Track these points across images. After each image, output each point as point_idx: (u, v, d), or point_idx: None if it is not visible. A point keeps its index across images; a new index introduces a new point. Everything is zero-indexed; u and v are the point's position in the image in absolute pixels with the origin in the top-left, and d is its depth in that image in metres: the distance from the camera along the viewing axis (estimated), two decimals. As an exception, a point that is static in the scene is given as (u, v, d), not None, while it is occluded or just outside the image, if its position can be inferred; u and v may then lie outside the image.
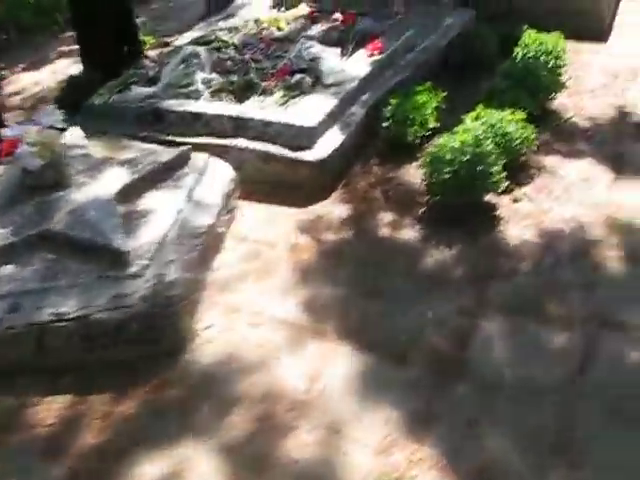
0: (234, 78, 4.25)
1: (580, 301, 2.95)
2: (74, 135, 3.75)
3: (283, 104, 3.99)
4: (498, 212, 3.52)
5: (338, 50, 4.54)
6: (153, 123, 4.21)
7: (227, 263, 3.39)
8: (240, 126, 3.94)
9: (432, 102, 4.11)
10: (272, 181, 3.83)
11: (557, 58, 4.57)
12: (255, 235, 3.56)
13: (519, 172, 3.78)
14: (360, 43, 4.71)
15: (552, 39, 4.65)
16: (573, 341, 2.77)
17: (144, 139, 4.12)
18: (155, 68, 4.58)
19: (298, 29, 5.10)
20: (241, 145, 3.89)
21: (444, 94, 4.21)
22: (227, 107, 4.02)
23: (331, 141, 3.81)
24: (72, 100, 4.57)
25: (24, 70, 6.27)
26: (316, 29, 5.04)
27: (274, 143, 3.84)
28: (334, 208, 3.69)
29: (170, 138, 4.09)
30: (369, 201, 3.72)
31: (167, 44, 5.61)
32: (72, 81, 4.90)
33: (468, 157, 3.35)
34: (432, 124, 4.05)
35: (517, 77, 4.24)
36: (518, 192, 3.66)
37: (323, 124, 3.81)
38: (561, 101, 4.51)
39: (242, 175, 3.86)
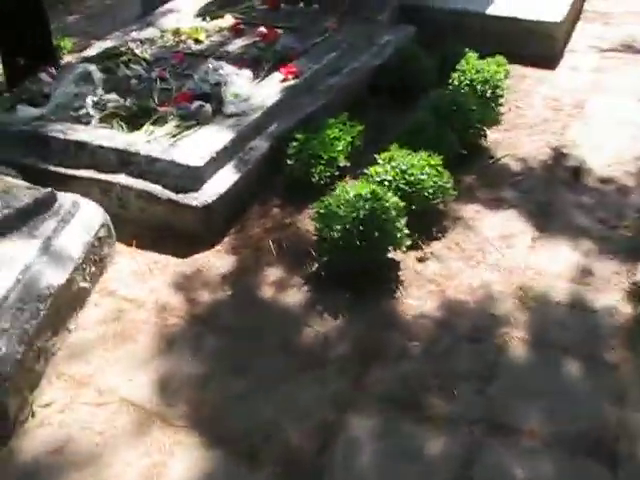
0: (127, 102, 3.76)
1: (470, 396, 2.55)
2: None
3: (175, 136, 3.54)
4: (398, 273, 3.10)
5: (250, 72, 4.08)
6: (37, 150, 3.76)
7: (86, 324, 2.99)
8: (125, 161, 3.52)
9: (345, 137, 3.71)
10: (156, 225, 3.44)
11: (496, 87, 4.18)
12: (124, 290, 3.15)
13: (431, 224, 3.37)
14: (279, 63, 4.26)
15: (493, 64, 4.24)
16: (453, 448, 2.37)
17: (25, 169, 3.67)
18: (52, 84, 4.09)
19: (216, 44, 4.66)
20: (124, 182, 3.46)
21: (360, 128, 3.77)
22: (113, 137, 3.58)
23: (221, 182, 3.40)
24: None
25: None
26: (235, 44, 4.60)
27: (158, 182, 3.41)
28: (217, 259, 3.28)
29: (53, 169, 3.67)
30: (258, 252, 3.31)
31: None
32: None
33: (363, 214, 2.92)
34: (342, 162, 3.62)
35: (444, 111, 3.81)
36: (426, 249, 3.25)
37: (213, 163, 3.39)
38: (495, 137, 4.12)
39: (126, 216, 3.45)
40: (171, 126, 3.61)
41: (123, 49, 4.59)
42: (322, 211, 3.01)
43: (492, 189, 3.68)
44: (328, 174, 3.55)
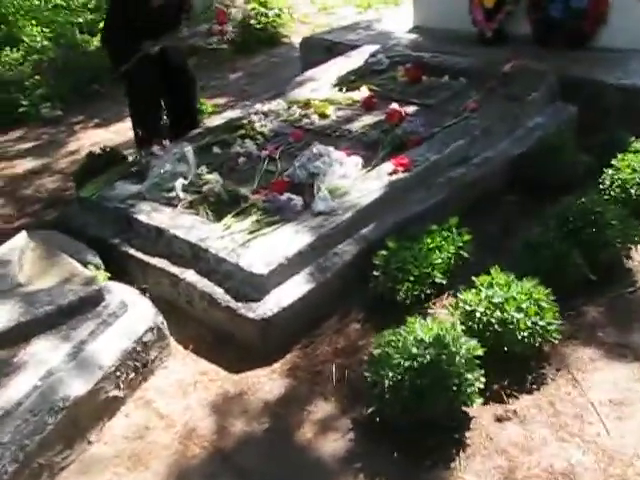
0: (216, 188, 3.51)
1: None
2: (13, 242, 3.25)
3: (252, 232, 3.22)
4: (466, 434, 2.51)
5: (359, 160, 3.67)
6: (125, 230, 3.64)
7: (109, 437, 2.74)
8: (196, 255, 3.26)
9: (448, 247, 3.16)
10: (217, 329, 3.13)
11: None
12: (160, 403, 2.87)
13: (527, 370, 2.74)
14: (397, 150, 3.81)
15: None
16: None
17: (111, 248, 3.57)
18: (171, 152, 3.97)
19: (341, 120, 4.31)
20: (189, 280, 3.20)
21: (468, 237, 3.21)
22: (192, 227, 3.34)
23: (290, 292, 3.03)
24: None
25: (96, 126, 5.98)
26: (360, 122, 4.22)
27: (222, 285, 3.11)
28: (268, 380, 2.90)
29: (133, 252, 3.51)
30: (317, 378, 2.89)
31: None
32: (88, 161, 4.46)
33: (419, 363, 2.39)
34: (438, 279, 3.08)
35: (572, 224, 3.16)
36: (510, 405, 2.62)
37: (282, 270, 3.02)
38: (640, 259, 3.33)
39: (192, 314, 3.21)
40: (252, 220, 3.27)
41: (245, 121, 4.37)
42: (376, 351, 2.50)
43: (621, 329, 2.96)
44: (417, 292, 3.01)
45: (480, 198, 3.82)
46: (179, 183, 3.57)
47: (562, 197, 3.56)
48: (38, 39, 7.55)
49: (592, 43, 5.18)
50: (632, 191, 3.59)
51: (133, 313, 2.96)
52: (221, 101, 6.13)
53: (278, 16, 8.03)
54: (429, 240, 3.15)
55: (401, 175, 3.52)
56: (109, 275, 3.34)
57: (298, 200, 3.37)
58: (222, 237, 3.22)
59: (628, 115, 4.35)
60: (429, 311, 3.09)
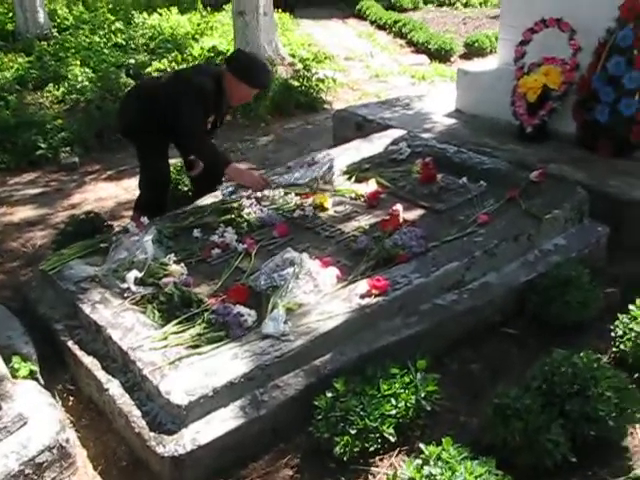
0: (168, 289, 3.17)
1: None
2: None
3: (190, 348, 2.84)
4: None
5: (336, 273, 3.27)
6: (73, 316, 3.33)
7: None
8: (126, 364, 2.90)
9: (407, 397, 2.73)
10: (132, 452, 2.74)
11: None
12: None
13: None
14: (381, 265, 3.40)
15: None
16: None
17: (54, 334, 3.34)
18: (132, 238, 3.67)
19: (338, 217, 3.94)
20: (113, 392, 2.86)
21: (433, 386, 2.77)
22: (130, 329, 3.00)
23: (210, 429, 2.61)
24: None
25: (108, 179, 5.77)
26: (356, 223, 3.84)
27: (141, 407, 2.74)
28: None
29: (70, 345, 3.23)
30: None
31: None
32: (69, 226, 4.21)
33: None
34: (387, 434, 2.65)
35: (558, 390, 2.67)
36: None
37: (204, 403, 2.62)
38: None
39: (114, 426, 2.85)
40: (194, 333, 2.90)
41: (235, 204, 4.03)
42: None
43: None
44: (357, 449, 2.56)
45: (473, 330, 3.35)
46: (131, 275, 3.24)
47: (573, 338, 3.23)
48: (80, 79, 7.45)
49: (640, 153, 4.68)
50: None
51: (31, 428, 2.60)
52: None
53: (321, 81, 7.75)
54: (385, 386, 2.71)
55: (374, 299, 3.08)
56: (33, 369, 3.02)
57: (250, 315, 2.97)
58: (155, 349, 2.84)
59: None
60: (372, 469, 2.64)
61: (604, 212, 4.10)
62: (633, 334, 3.15)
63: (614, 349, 3.22)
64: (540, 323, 3.45)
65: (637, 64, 4.60)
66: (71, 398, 3.12)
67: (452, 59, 10.05)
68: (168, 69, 8.49)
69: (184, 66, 8.48)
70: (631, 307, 3.28)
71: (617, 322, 3.26)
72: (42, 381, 3.10)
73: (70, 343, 3.19)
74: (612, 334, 3.26)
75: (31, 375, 3.03)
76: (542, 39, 5.12)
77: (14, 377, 2.93)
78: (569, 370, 2.75)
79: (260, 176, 4.39)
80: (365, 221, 3.90)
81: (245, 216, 3.95)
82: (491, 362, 3.27)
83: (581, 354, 2.86)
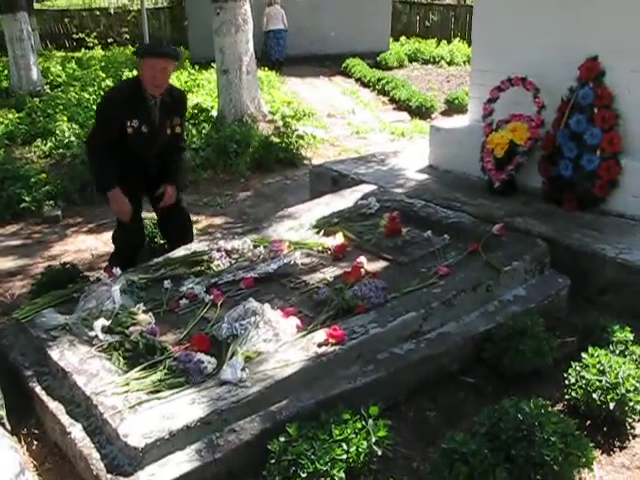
0: (133, 337, 3.29)
1: None
2: None
3: (150, 393, 2.94)
4: None
5: (296, 323, 3.39)
6: (43, 363, 3.43)
7: None
8: (89, 409, 3.01)
9: (358, 442, 2.80)
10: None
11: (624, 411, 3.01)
12: None
13: None
14: (340, 315, 3.52)
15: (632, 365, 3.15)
16: None
17: (23, 380, 3.42)
18: (101, 287, 3.79)
19: (304, 269, 4.07)
20: (74, 436, 2.95)
21: (383, 432, 2.86)
22: (93, 377, 3.10)
23: (165, 472, 2.69)
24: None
25: (89, 232, 5.91)
26: (320, 275, 3.97)
27: (101, 450, 2.82)
28: None
29: (37, 391, 3.31)
30: None
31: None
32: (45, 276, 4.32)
33: None
34: (338, 478, 2.72)
35: (504, 437, 2.76)
36: None
37: (161, 445, 2.71)
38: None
39: (75, 470, 2.97)
40: (155, 379, 3.00)
41: (205, 257, 4.17)
42: None
43: None
44: (308, 499, 2.64)
45: (430, 378, 3.46)
46: (99, 323, 3.36)
47: (529, 387, 3.33)
48: (67, 134, 7.67)
49: (604, 206, 4.85)
50: (595, 396, 3.16)
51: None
52: (218, 221, 6.00)
53: (301, 137, 7.98)
54: (337, 431, 2.80)
55: (330, 348, 3.19)
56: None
57: (210, 363, 3.08)
58: (118, 394, 2.94)
59: (626, 294, 3.97)
60: (325, 513, 2.70)
61: (567, 264, 4.25)
62: (584, 382, 3.25)
63: (567, 397, 3.30)
64: (497, 372, 3.54)
65: (597, 121, 4.81)
66: (36, 442, 3.19)
67: (433, 116, 10.34)
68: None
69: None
70: (584, 355, 3.38)
71: (570, 370, 3.35)
72: (8, 426, 3.17)
73: (38, 389, 3.27)
74: (566, 382, 3.35)
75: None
76: (510, 97, 5.33)
77: (-21, 421, 3.02)
78: (516, 415, 2.84)
79: (128, 211, 4.37)
80: (330, 273, 4.03)
81: (214, 268, 4.06)
82: (448, 410, 3.35)
83: (529, 401, 2.94)
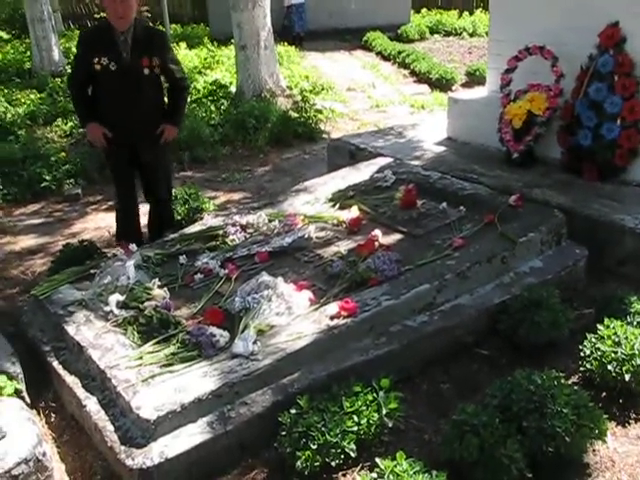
0: (147, 311, 3.32)
1: None
2: None
3: (163, 367, 2.97)
4: None
5: (309, 296, 3.39)
6: (60, 338, 3.49)
7: None
8: (104, 382, 3.04)
9: (369, 414, 2.82)
10: (107, 466, 2.87)
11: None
12: None
13: None
14: (354, 288, 3.52)
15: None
16: None
17: (42, 355, 3.49)
18: (116, 263, 3.83)
19: (318, 242, 4.07)
20: (90, 409, 3.00)
21: (395, 404, 2.87)
22: (108, 350, 3.15)
23: (179, 442, 2.73)
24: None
25: (109, 209, 5.96)
26: (335, 248, 3.97)
27: (115, 422, 2.88)
28: None
29: (55, 365, 3.37)
30: None
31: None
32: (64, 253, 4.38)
33: None
34: (348, 449, 2.74)
35: (515, 409, 2.75)
36: None
37: (172, 418, 2.74)
38: (616, 450, 2.89)
39: (92, 442, 3.04)
40: (168, 352, 3.03)
41: (220, 232, 4.19)
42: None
43: None
44: (318, 463, 2.66)
45: (444, 350, 3.45)
46: (113, 298, 3.39)
47: (544, 359, 3.31)
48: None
49: (625, 176, 4.76)
50: (610, 368, 3.13)
51: (9, 441, 2.73)
52: (236, 197, 6.01)
53: (320, 111, 7.94)
54: (348, 403, 2.81)
55: (342, 320, 3.19)
56: (18, 387, 3.18)
57: (223, 336, 3.10)
58: (131, 367, 2.98)
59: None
60: (335, 483, 2.73)
61: (586, 235, 4.19)
62: (599, 353, 3.21)
63: (582, 369, 3.28)
64: (512, 344, 3.52)
65: (617, 89, 4.71)
66: (54, 415, 3.25)
67: (453, 88, 10.22)
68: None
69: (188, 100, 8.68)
70: (599, 327, 3.35)
71: (585, 342, 3.32)
72: (27, 399, 3.24)
73: (55, 363, 3.33)
74: (581, 354, 3.32)
75: (16, 393, 3.17)
76: (528, 66, 5.24)
77: (-1, 395, 3.08)
78: (528, 387, 2.82)
79: (100, 135, 4.35)
80: (344, 246, 4.03)
81: (229, 242, 4.07)
82: (461, 382, 3.34)
83: (542, 372, 2.92)
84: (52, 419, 3.24)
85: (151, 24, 4.27)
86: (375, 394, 2.92)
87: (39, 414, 3.25)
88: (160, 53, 4.29)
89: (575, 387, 2.97)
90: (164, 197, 4.72)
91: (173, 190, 4.92)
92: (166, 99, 4.52)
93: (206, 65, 10.94)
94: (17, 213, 6.14)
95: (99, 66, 4.18)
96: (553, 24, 5.04)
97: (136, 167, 4.56)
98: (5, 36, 15.51)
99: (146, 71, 4.24)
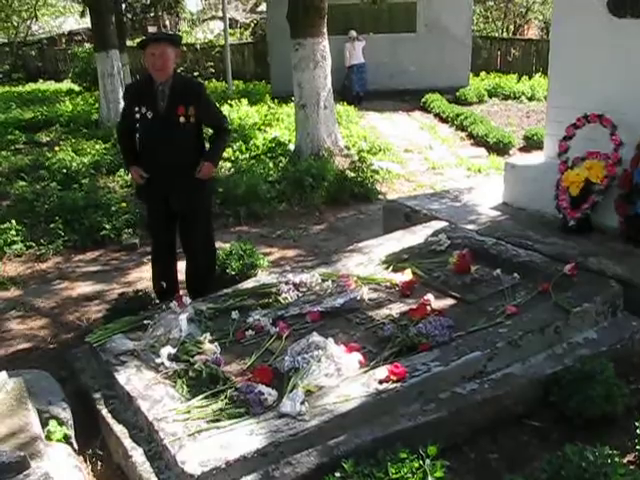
0: (197, 365, 3.36)
1: None
2: None
3: (212, 421, 3.00)
4: None
5: (360, 359, 3.40)
6: (110, 387, 3.57)
7: None
8: (151, 434, 3.09)
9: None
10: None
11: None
12: None
13: None
14: (406, 352, 3.51)
15: None
16: None
17: (91, 402, 3.57)
18: (170, 315, 3.90)
19: (370, 305, 4.07)
20: (135, 460, 3.04)
21: (441, 474, 2.82)
22: (157, 402, 3.19)
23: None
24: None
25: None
26: (387, 311, 3.97)
27: (160, 475, 2.91)
28: None
29: (104, 413, 3.43)
30: None
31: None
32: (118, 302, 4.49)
33: None
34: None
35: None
36: None
37: (217, 475, 2.75)
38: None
39: None
40: (216, 407, 3.06)
41: (273, 289, 4.24)
42: None
43: None
44: None
45: (494, 420, 3.38)
46: (165, 351, 3.45)
47: (598, 434, 3.19)
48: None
49: (687, 250, 4.66)
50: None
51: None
52: (290, 254, 6.07)
53: (376, 172, 8.02)
54: (393, 470, 2.77)
55: (391, 385, 3.18)
56: (67, 433, 3.24)
57: (271, 395, 3.11)
58: (179, 421, 3.01)
59: None
60: None
61: (642, 309, 4.09)
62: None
63: (638, 447, 3.17)
64: (564, 417, 3.43)
65: (678, 160, 4.65)
66: (100, 464, 3.29)
67: (510, 152, 10.20)
68: (232, 158, 8.93)
69: (247, 155, 8.90)
70: (657, 404, 3.24)
71: (641, 421, 3.22)
72: (76, 445, 3.29)
73: (104, 411, 3.39)
74: (638, 431, 3.22)
75: (65, 439, 3.24)
76: (587, 134, 5.23)
77: (49, 439, 3.15)
78: (579, 464, 2.74)
79: (137, 176, 4.54)
80: (396, 309, 4.02)
81: (282, 300, 4.11)
82: (510, 453, 3.27)
83: (594, 449, 2.84)
84: (98, 467, 3.27)
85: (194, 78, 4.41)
86: (421, 461, 2.86)
87: (86, 461, 3.29)
88: (196, 102, 4.38)
89: (631, 467, 2.86)
90: (199, 250, 4.73)
91: (217, 244, 4.96)
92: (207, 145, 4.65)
93: (266, 122, 11.20)
94: (76, 259, 6.32)
95: (139, 115, 4.38)
96: (612, 92, 5.04)
97: (175, 220, 4.64)
98: (77, 88, 16.22)
99: (181, 119, 4.35)
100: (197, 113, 4.40)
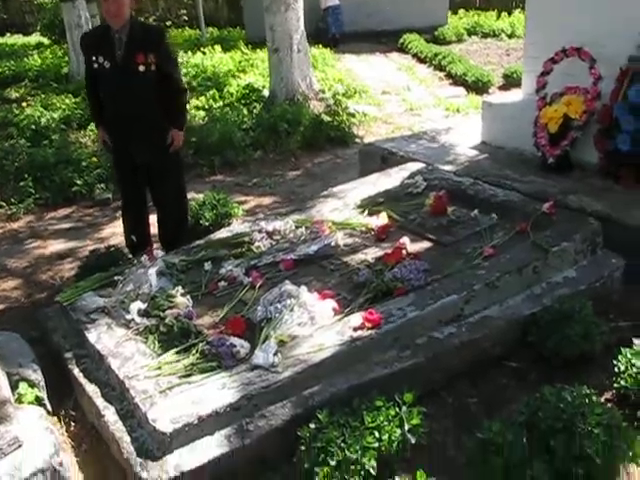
0: (167, 320, 3.28)
1: None
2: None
3: (183, 376, 2.93)
4: None
5: (334, 306, 3.32)
6: (81, 346, 3.48)
7: None
8: (122, 392, 3.02)
9: (391, 429, 2.73)
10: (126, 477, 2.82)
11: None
12: None
13: None
14: (381, 297, 3.44)
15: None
16: None
17: (63, 362, 3.48)
18: (139, 270, 3.80)
19: (345, 250, 3.99)
20: (108, 419, 2.97)
21: (418, 420, 2.77)
22: (127, 359, 3.11)
23: (194, 457, 2.68)
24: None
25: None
26: (362, 255, 3.90)
27: (132, 433, 2.84)
28: None
29: (76, 373, 3.34)
30: None
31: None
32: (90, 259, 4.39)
33: None
34: (369, 466, 2.65)
35: (542, 429, 2.63)
36: None
37: (189, 431, 2.69)
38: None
39: (110, 451, 2.99)
40: (187, 362, 2.98)
41: (246, 239, 4.14)
42: None
43: None
44: (337, 480, 2.59)
45: (472, 363, 3.34)
46: (135, 306, 3.36)
47: (576, 373, 3.20)
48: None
49: (668, 183, 4.60)
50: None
51: (26, 451, 2.71)
52: (266, 201, 5.96)
53: (352, 115, 7.85)
54: (369, 418, 2.72)
55: (367, 332, 3.11)
56: (39, 395, 3.17)
57: (243, 347, 3.04)
58: (149, 377, 2.93)
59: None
60: (355, 502, 2.64)
61: (624, 243, 4.03)
62: (635, 370, 3.08)
63: (616, 385, 3.14)
64: (542, 357, 3.40)
65: (659, 91, 4.54)
66: (74, 424, 3.23)
67: (490, 91, 10.04)
68: (206, 106, 8.72)
69: (221, 103, 8.69)
70: (635, 341, 3.21)
71: (620, 357, 3.19)
72: (49, 407, 3.22)
73: (76, 371, 3.32)
74: (615, 369, 3.19)
75: (37, 401, 3.16)
76: (565, 69, 5.09)
77: (20, 402, 3.07)
78: (556, 404, 2.70)
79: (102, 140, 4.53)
80: (371, 254, 3.95)
81: (255, 249, 4.02)
82: (489, 396, 3.24)
83: (571, 389, 2.80)
84: (72, 428, 3.21)
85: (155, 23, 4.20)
86: (398, 409, 2.83)
87: (60, 422, 3.23)
88: (156, 49, 4.21)
89: (608, 405, 2.83)
90: (170, 202, 4.60)
91: (191, 194, 4.84)
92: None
93: (240, 68, 10.94)
94: (48, 217, 6.19)
95: (97, 65, 4.22)
96: (590, 25, 4.89)
97: (143, 172, 4.49)
98: (46, 42, 15.75)
99: (141, 68, 4.18)
100: (157, 61, 4.22)
